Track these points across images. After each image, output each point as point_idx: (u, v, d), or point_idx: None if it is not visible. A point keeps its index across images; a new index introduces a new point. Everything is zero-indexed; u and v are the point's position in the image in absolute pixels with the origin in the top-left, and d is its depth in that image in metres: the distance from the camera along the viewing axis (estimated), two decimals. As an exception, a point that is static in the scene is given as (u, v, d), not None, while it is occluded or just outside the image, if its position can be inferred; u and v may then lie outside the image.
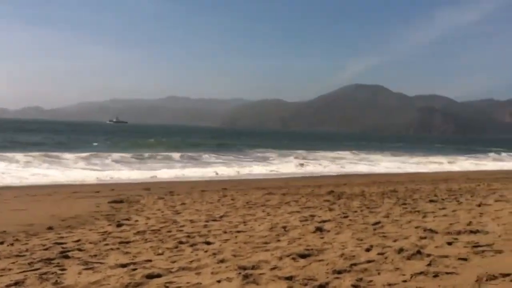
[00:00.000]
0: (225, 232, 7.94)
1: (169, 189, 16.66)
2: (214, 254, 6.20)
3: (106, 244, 7.19)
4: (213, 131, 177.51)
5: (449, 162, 43.39)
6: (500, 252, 5.47)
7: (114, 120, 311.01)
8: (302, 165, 33.26)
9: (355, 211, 10.25)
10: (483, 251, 5.53)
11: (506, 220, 8.02)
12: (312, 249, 6.10)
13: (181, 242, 7.15)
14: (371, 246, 6.10)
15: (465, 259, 5.18)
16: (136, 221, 9.67)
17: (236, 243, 6.96)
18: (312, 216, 9.56)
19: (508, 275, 4.44)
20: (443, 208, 10.20)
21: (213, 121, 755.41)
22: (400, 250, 5.63)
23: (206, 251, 6.41)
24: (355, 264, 5.17)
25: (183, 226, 8.82)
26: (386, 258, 5.40)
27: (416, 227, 7.54)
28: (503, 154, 64.93)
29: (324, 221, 8.74)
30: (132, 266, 5.68)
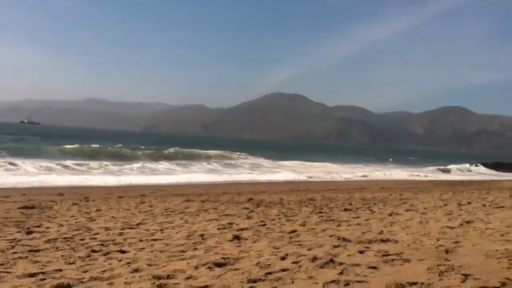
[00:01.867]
0: (141, 240, 7.78)
1: (85, 195, 16.13)
2: (128, 263, 6.06)
3: (15, 253, 6.83)
4: (139, 135, 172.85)
5: (368, 171, 44.84)
6: (408, 261, 5.71)
7: (26, 121, 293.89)
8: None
9: (273, 219, 10.37)
10: (392, 260, 5.75)
11: (414, 230, 8.41)
12: (228, 258, 6.09)
13: (94, 251, 6.93)
14: (287, 254, 6.19)
15: (375, 268, 5.37)
16: (48, 228, 9.26)
17: (151, 251, 6.84)
18: (230, 224, 9.58)
19: (415, 283, 4.64)
20: (357, 217, 10.55)
21: (134, 125, 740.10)
22: (314, 259, 5.75)
23: (120, 260, 6.25)
24: (270, 273, 5.22)
25: (97, 234, 8.56)
26: (300, 266, 5.49)
27: (331, 236, 7.74)
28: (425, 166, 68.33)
29: (242, 229, 8.78)
30: (41, 276, 5.44)
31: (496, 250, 6.16)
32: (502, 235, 7.49)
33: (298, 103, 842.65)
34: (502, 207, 12.55)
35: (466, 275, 4.90)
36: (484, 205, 13.12)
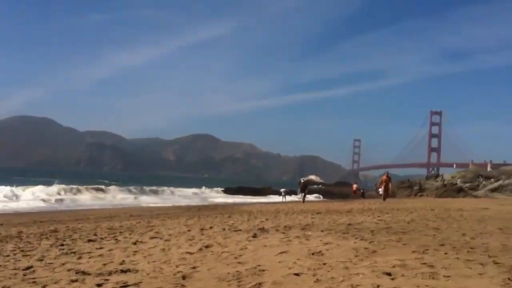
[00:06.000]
0: None
1: None
2: None
3: None
4: None
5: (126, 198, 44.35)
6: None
7: None
8: None
9: (8, 256, 9.52)
10: (130, 291, 5.78)
11: (156, 257, 8.54)
12: None
13: None
14: (17, 295, 5.76)
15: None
16: None
17: None
18: (-47, 264, 8.52)
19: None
20: (101, 248, 10.30)
21: None
22: (47, 297, 5.46)
23: None
24: (-6, 318, 4.79)
25: None
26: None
27: (69, 270, 7.42)
28: (174, 190, 69.62)
29: (-34, 270, 7.88)
30: None
31: (228, 273, 6.62)
32: (235, 258, 8.07)
33: (46, 127, 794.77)
34: (240, 230, 13.51)
35: (197, 300, 5.16)
36: (224, 229, 13.96)
